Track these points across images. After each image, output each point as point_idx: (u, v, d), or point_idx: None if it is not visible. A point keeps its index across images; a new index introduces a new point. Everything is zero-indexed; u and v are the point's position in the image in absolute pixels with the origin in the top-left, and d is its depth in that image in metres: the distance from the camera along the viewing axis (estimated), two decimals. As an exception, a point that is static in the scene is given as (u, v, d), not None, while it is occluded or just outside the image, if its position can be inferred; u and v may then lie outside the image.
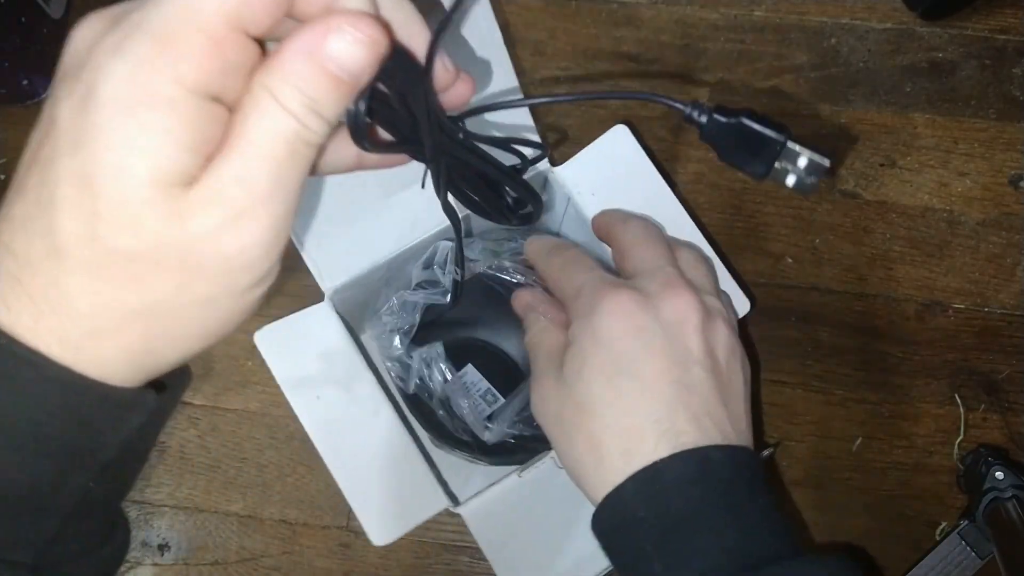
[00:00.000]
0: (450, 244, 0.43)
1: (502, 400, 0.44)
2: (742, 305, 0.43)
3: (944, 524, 0.47)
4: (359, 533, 0.48)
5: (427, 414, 0.44)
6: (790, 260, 0.50)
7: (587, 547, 0.41)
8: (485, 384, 0.45)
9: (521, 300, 0.40)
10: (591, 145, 0.44)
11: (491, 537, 0.41)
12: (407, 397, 0.45)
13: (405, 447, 0.41)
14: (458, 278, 0.40)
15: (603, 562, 0.41)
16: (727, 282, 0.43)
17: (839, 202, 0.51)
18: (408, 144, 0.27)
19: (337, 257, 0.42)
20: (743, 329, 0.47)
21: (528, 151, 0.34)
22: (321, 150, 0.25)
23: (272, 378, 0.49)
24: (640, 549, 0.31)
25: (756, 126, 0.31)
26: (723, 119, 0.31)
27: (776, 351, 0.49)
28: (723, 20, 0.52)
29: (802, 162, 0.31)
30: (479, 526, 0.41)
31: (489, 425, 0.42)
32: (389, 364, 0.44)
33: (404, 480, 0.40)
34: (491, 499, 0.41)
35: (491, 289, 0.43)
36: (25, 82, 0.49)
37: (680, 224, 0.43)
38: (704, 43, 0.52)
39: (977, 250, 0.50)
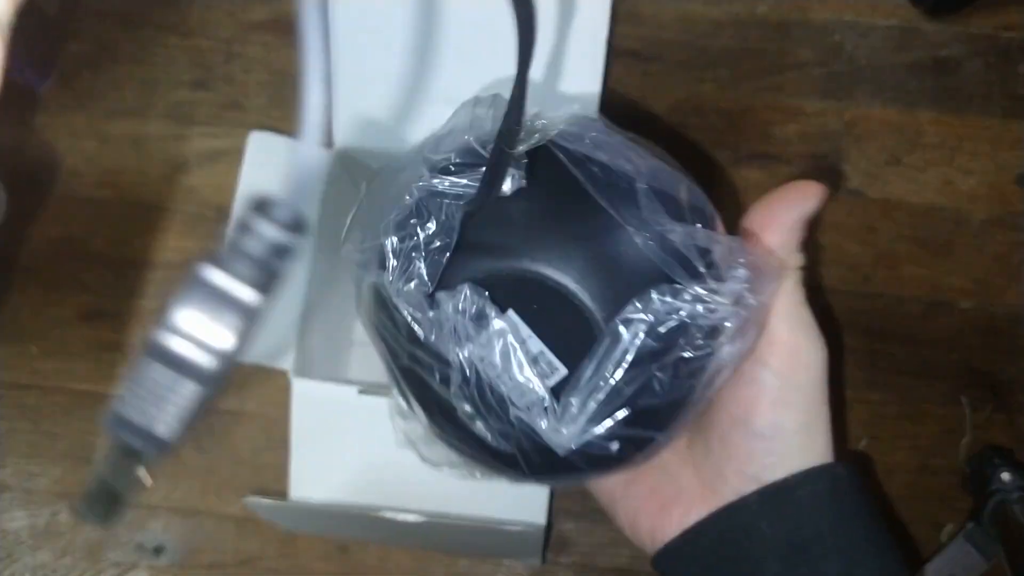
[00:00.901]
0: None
1: (563, 371, 0.26)
2: None
3: (950, 526, 0.47)
4: (358, 535, 0.47)
5: (438, 409, 0.28)
6: (794, 259, 0.50)
7: (383, 490, 0.40)
8: (537, 344, 0.26)
9: None
10: None
11: (306, 425, 0.40)
12: (396, 369, 0.29)
13: (292, 301, 0.40)
14: (505, 146, 0.22)
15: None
16: None
17: (843, 200, 0.50)
18: None
19: (365, 119, 0.37)
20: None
21: None
22: None
23: (270, 379, 0.48)
24: (761, 568, 0.30)
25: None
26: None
27: (780, 351, 0.49)
28: (726, 16, 0.52)
29: None
30: (301, 408, 0.40)
31: (560, 428, 0.24)
32: (405, 309, 0.26)
33: (273, 325, 0.41)
34: (324, 394, 0.40)
35: (561, 175, 0.25)
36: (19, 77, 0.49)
37: None
38: (706, 40, 0.51)
39: (983, 249, 0.49)
